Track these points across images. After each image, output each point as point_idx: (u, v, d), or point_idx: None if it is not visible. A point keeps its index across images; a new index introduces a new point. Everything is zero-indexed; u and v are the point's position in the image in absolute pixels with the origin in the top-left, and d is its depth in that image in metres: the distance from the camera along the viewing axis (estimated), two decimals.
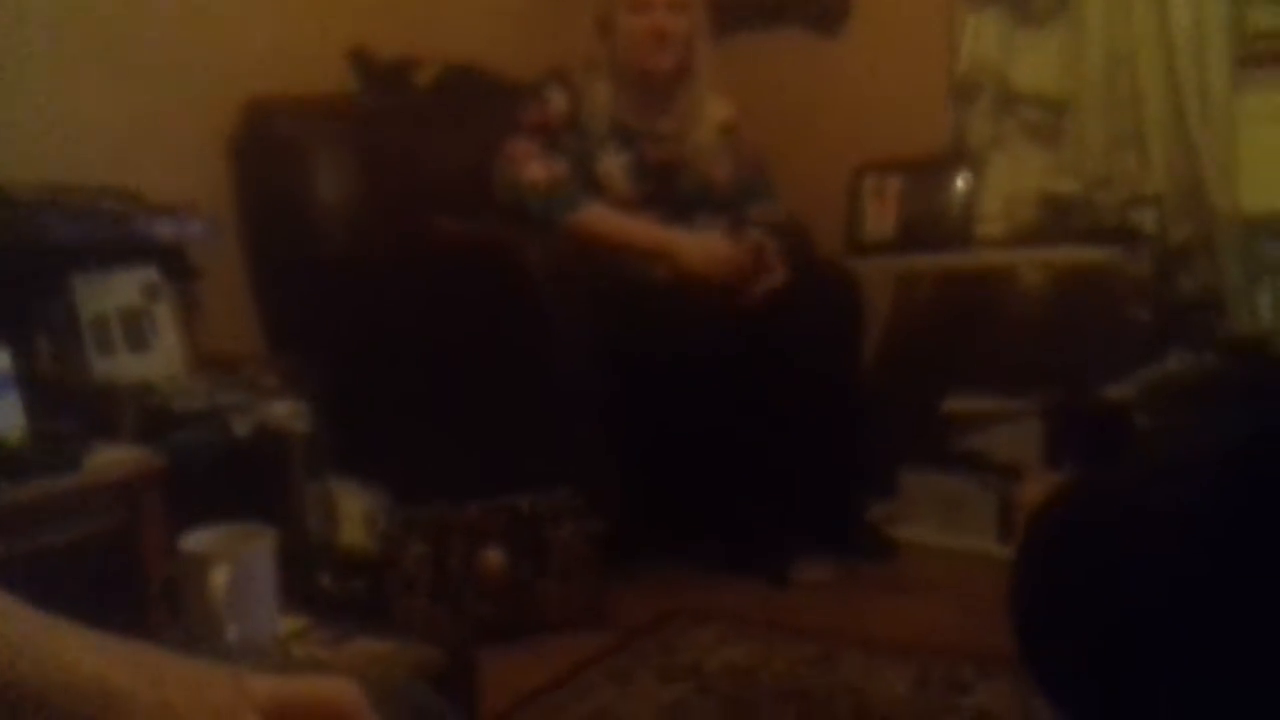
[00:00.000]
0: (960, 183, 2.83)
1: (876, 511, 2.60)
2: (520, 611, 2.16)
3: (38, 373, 2.12)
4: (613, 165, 2.64)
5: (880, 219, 2.89)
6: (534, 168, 2.58)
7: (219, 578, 1.63)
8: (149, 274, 2.34)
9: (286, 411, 2.25)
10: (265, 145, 2.70)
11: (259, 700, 0.46)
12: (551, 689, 1.95)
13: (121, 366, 2.24)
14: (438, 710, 0.59)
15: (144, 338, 2.31)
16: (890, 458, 2.66)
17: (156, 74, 2.56)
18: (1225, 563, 1.05)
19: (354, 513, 2.22)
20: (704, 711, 1.87)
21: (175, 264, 2.40)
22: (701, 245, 2.55)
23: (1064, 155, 2.91)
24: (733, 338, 2.42)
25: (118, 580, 1.84)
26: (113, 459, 1.94)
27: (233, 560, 1.65)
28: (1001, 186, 2.90)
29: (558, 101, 2.64)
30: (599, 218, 2.57)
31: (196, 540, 1.68)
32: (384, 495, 2.24)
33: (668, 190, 2.67)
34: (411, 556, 2.12)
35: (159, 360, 2.30)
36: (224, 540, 1.72)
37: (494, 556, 2.14)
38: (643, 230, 2.59)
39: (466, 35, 3.16)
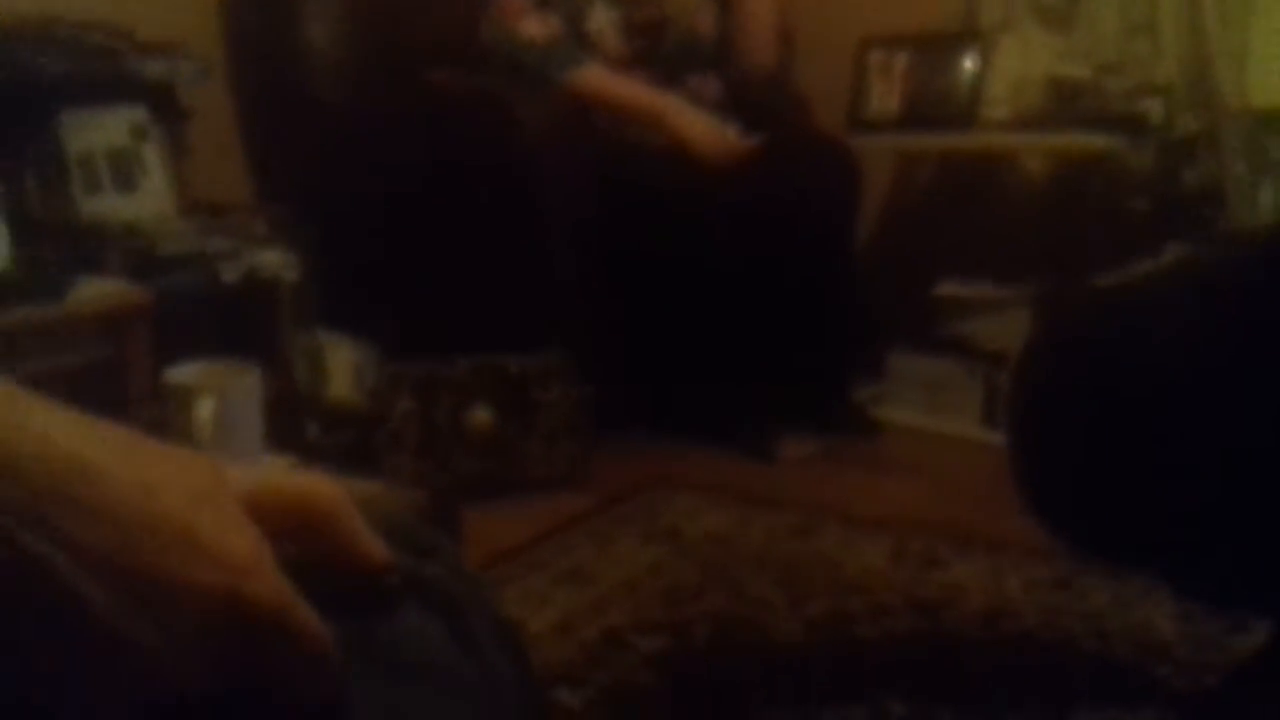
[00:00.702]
0: (968, 62, 2.77)
1: (862, 391, 2.61)
2: (505, 469, 2.17)
3: (25, 208, 2.10)
4: (603, 22, 2.58)
5: (885, 95, 2.84)
6: (530, 23, 2.52)
7: (204, 410, 1.63)
8: (138, 113, 2.30)
9: (276, 260, 2.23)
10: None
11: (238, 488, 0.44)
12: (531, 545, 1.97)
13: (109, 206, 2.21)
14: (428, 534, 0.57)
15: (132, 178, 2.27)
16: (879, 338, 2.65)
17: None
18: (1210, 364, 1.06)
19: (342, 366, 2.22)
20: (681, 573, 1.88)
21: (165, 105, 2.35)
22: (708, 127, 2.51)
23: (1075, 39, 2.85)
24: (725, 205, 2.40)
25: (102, 413, 1.84)
26: (99, 291, 1.93)
27: (218, 393, 1.65)
28: (1010, 68, 2.83)
29: None
30: (599, 78, 2.52)
31: (182, 372, 1.68)
32: (373, 349, 2.23)
33: (656, 48, 2.62)
34: (399, 411, 2.12)
35: (147, 201, 2.27)
36: (209, 374, 1.71)
37: (481, 415, 2.14)
38: (644, 96, 2.54)
39: None
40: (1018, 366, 1.25)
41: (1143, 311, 1.21)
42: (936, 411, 2.58)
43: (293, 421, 2.07)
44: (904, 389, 2.62)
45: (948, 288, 2.62)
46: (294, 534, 0.45)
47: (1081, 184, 2.70)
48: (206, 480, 0.42)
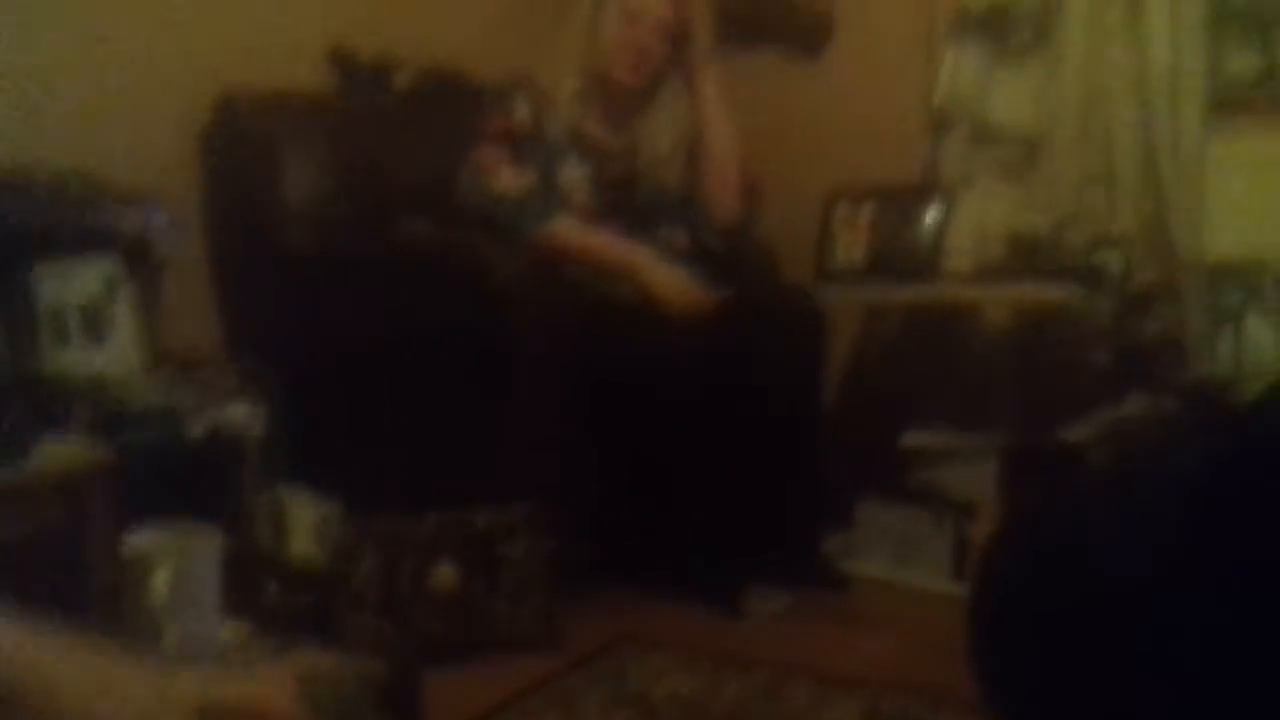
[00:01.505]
0: (931, 214, 2.83)
1: (831, 543, 2.60)
2: (470, 630, 2.14)
3: None
4: (573, 176, 2.63)
5: (851, 246, 2.89)
6: (504, 176, 2.57)
7: (161, 577, 1.61)
8: (111, 266, 2.31)
9: (242, 414, 2.22)
10: (236, 140, 2.67)
11: (186, 700, 0.45)
12: (497, 711, 1.93)
13: (76, 359, 2.20)
14: None
15: (102, 331, 2.27)
16: (847, 489, 2.66)
17: (129, 59, 2.52)
18: (1184, 573, 1.05)
19: (305, 522, 2.19)
20: None
21: (139, 257, 2.36)
22: (677, 281, 2.54)
23: (1034, 192, 2.93)
24: (694, 360, 2.41)
25: (61, 577, 1.81)
26: (61, 454, 1.91)
27: (176, 560, 1.63)
28: (971, 221, 2.90)
29: (522, 110, 2.63)
30: (571, 231, 2.56)
31: (141, 538, 1.66)
32: (337, 505, 2.21)
33: (626, 201, 2.66)
34: (361, 569, 2.10)
35: (115, 355, 2.26)
36: (168, 539, 1.70)
37: (446, 573, 2.12)
38: (614, 248, 2.58)
39: (447, 38, 3.14)
40: (979, 567, 1.24)
41: (1116, 493, 1.21)
42: (906, 563, 2.57)
43: (252, 582, 2.04)
44: (873, 540, 2.61)
45: (915, 438, 2.64)
46: None
47: (1042, 334, 2.75)
48: (153, 702, 0.44)
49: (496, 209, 2.56)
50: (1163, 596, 1.05)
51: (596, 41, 2.63)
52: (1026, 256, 2.75)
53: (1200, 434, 1.92)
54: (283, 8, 2.83)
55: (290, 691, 0.50)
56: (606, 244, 2.58)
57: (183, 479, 2.06)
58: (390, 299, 2.44)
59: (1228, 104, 2.76)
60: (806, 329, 2.53)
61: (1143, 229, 2.76)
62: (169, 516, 1.90)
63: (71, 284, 2.25)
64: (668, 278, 2.53)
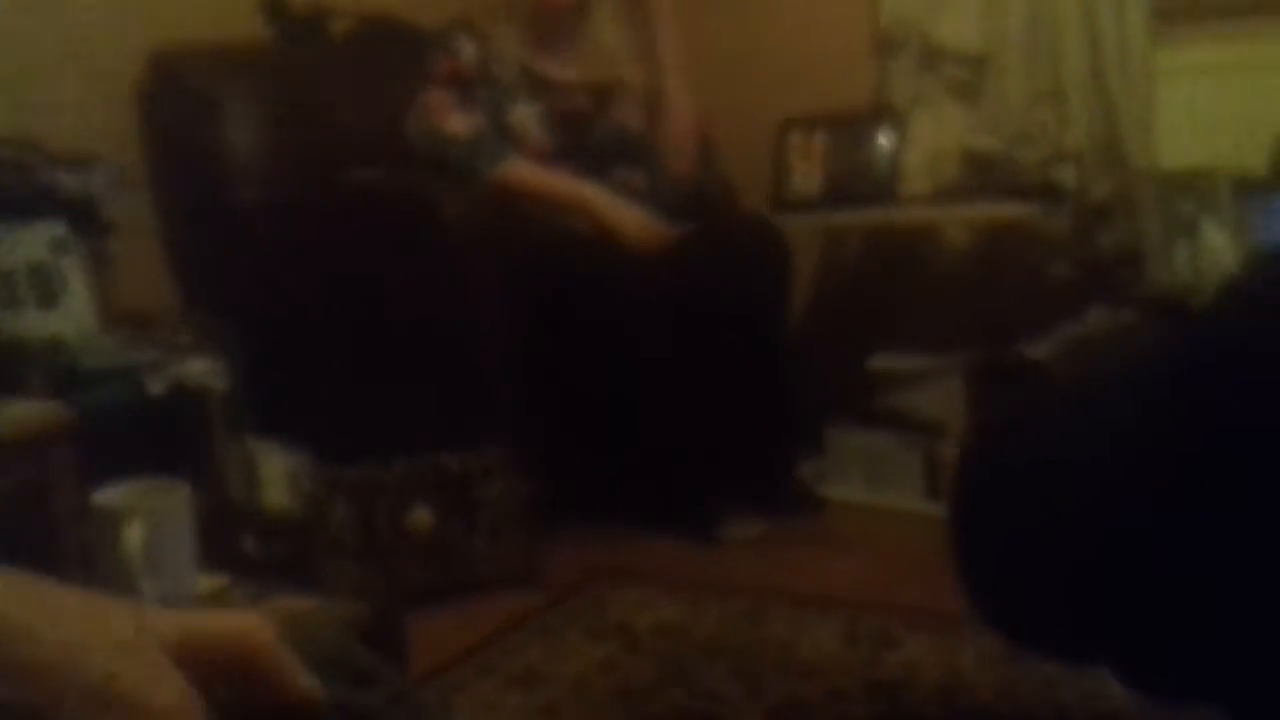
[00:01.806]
0: (884, 139, 2.83)
1: (804, 468, 2.61)
2: (449, 571, 2.13)
3: None
4: (525, 115, 2.60)
5: (806, 175, 2.88)
6: (454, 119, 2.53)
7: (133, 533, 1.58)
8: (57, 227, 2.26)
9: (203, 369, 2.18)
10: (175, 95, 2.60)
11: (166, 631, 0.44)
12: (480, 648, 1.93)
13: (30, 323, 2.15)
14: (365, 660, 0.57)
15: (53, 294, 2.22)
16: (817, 415, 2.66)
17: (61, 20, 2.46)
18: (1145, 472, 1.06)
19: (276, 474, 2.17)
20: (634, 669, 1.86)
21: (85, 217, 2.31)
22: (634, 216, 2.52)
23: (985, 112, 2.93)
24: (657, 292, 2.40)
25: (29, 540, 1.78)
26: (21, 415, 1.87)
27: (147, 514, 1.60)
28: (925, 143, 2.90)
29: (467, 51, 2.59)
30: (524, 171, 2.54)
31: (109, 496, 1.63)
32: (307, 455, 2.19)
33: (582, 141, 2.63)
34: (337, 518, 2.08)
35: (69, 317, 2.22)
36: (138, 495, 1.67)
37: (422, 516, 2.11)
38: (569, 187, 2.56)
39: None
40: (956, 469, 1.25)
41: (1079, 402, 1.22)
42: (878, 485, 2.58)
43: (227, 534, 2.02)
44: (845, 464, 2.62)
45: (881, 361, 2.65)
46: (224, 677, 0.46)
47: (1002, 252, 2.76)
48: (129, 632, 0.43)
49: (448, 152, 2.53)
50: (1126, 496, 1.07)
51: None
52: (981, 175, 2.76)
53: (1157, 341, 1.95)
54: None
55: (273, 625, 0.48)
56: (559, 182, 2.55)
57: (148, 437, 2.03)
58: (342, 246, 2.41)
59: (1173, 13, 2.77)
60: (768, 256, 2.52)
61: (1095, 143, 2.77)
62: (137, 474, 1.87)
63: (19, 248, 2.20)
64: (623, 212, 2.51)
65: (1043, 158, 2.74)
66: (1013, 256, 2.72)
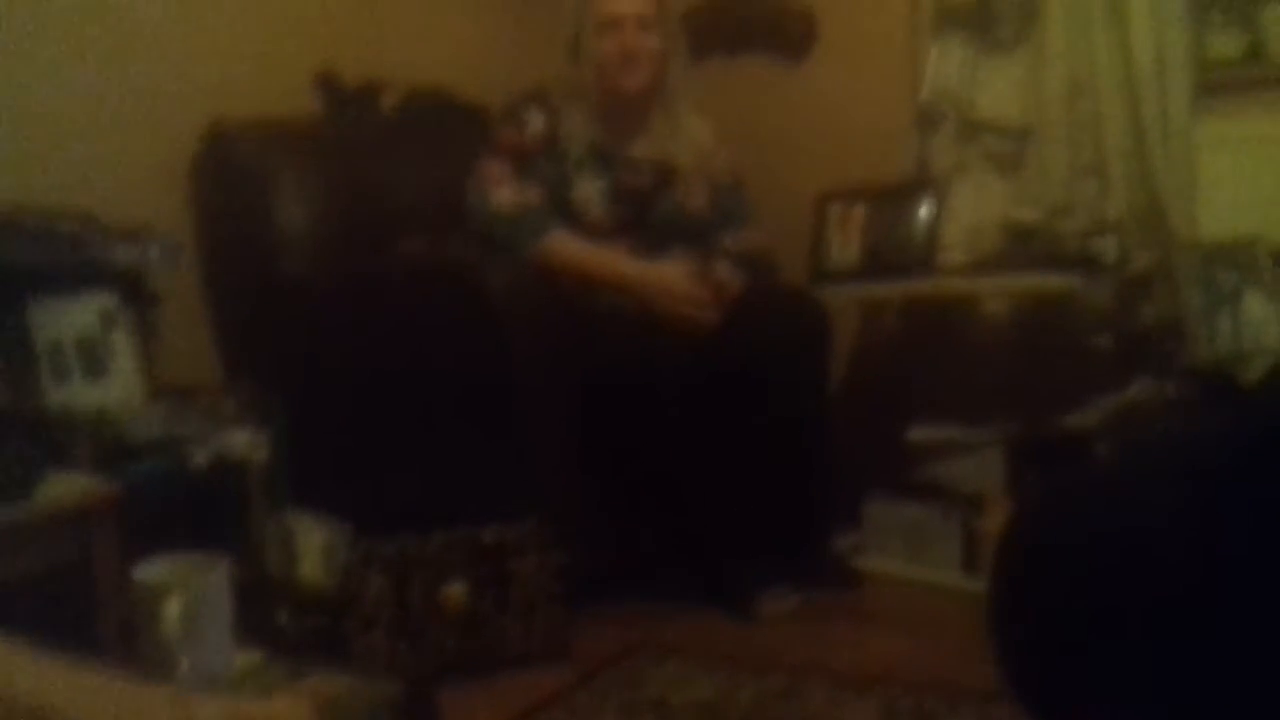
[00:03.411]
0: (924, 210, 2.84)
1: (841, 542, 2.59)
2: (482, 646, 2.13)
3: None
4: (589, 190, 2.62)
5: (845, 246, 2.89)
6: (503, 192, 2.57)
7: (172, 608, 1.60)
8: (107, 300, 2.31)
9: (245, 441, 2.22)
10: (227, 169, 2.67)
11: None
12: None
13: (77, 394, 2.20)
14: None
15: (101, 364, 2.27)
16: (855, 487, 2.65)
17: (117, 94, 2.53)
18: (1197, 566, 1.05)
19: (313, 546, 2.19)
20: None
21: (134, 289, 2.36)
22: (660, 281, 2.55)
23: (1025, 183, 2.93)
24: (697, 365, 2.41)
25: (71, 612, 1.81)
26: (66, 488, 1.90)
27: (186, 591, 1.62)
28: (964, 214, 2.91)
29: (535, 124, 2.62)
30: (563, 245, 2.56)
31: (150, 570, 1.65)
32: (344, 527, 2.21)
33: (642, 218, 2.66)
34: (371, 591, 2.09)
35: (116, 388, 2.26)
36: (178, 570, 1.69)
37: (456, 590, 2.12)
38: (604, 261, 2.57)
39: (433, 58, 3.15)
40: (998, 546, 1.24)
41: (1127, 480, 1.20)
42: (916, 559, 2.56)
43: (263, 607, 2.04)
44: (883, 537, 2.61)
45: (920, 432, 2.63)
46: None
47: (1042, 323, 2.74)
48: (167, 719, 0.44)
49: (493, 225, 2.56)
50: (1176, 578, 1.05)
51: (589, 57, 2.63)
52: (1022, 246, 2.75)
53: (1205, 415, 1.92)
54: (267, 37, 2.84)
55: (309, 712, 0.49)
56: (599, 259, 2.57)
57: (189, 508, 2.06)
58: (386, 318, 2.44)
59: (1214, 85, 2.76)
60: (809, 328, 2.53)
61: (1136, 214, 2.76)
62: (176, 546, 1.90)
63: (69, 319, 2.25)
64: (658, 282, 2.53)
65: (1083, 229, 2.74)
66: (1053, 328, 2.70)
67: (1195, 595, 1.04)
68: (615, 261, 2.58)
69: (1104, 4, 2.78)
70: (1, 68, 2.35)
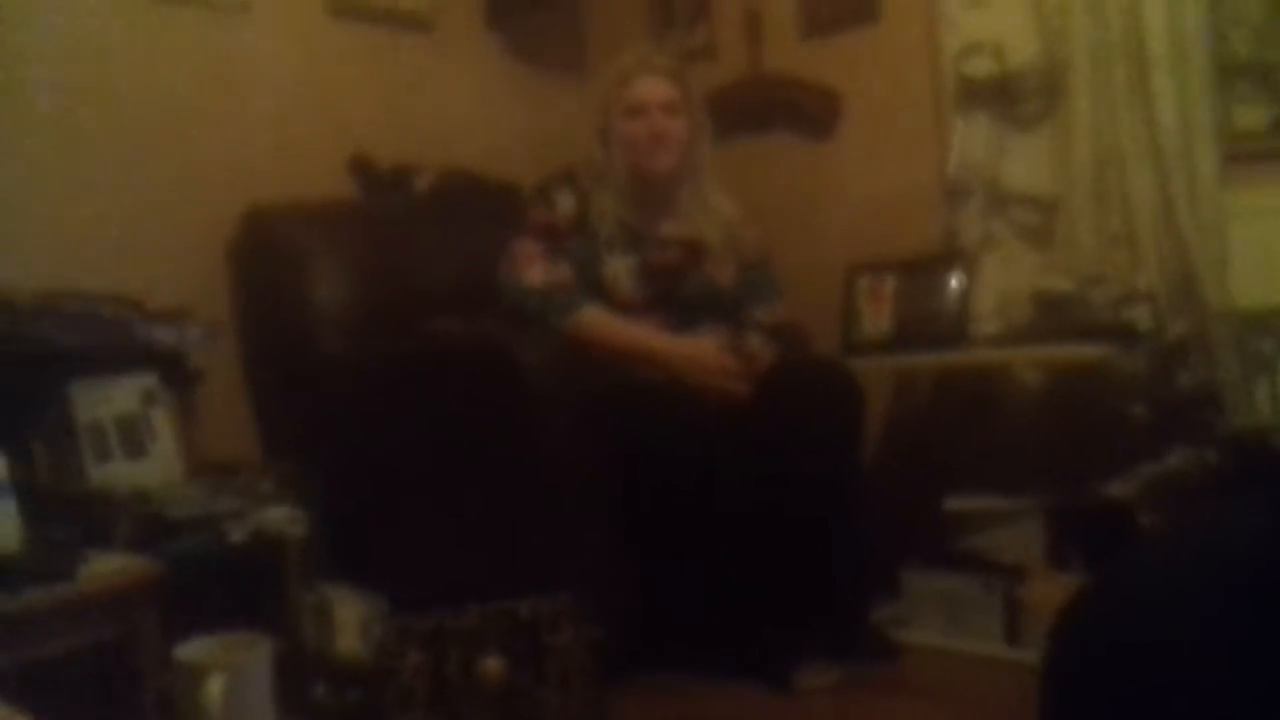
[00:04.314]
0: (954, 281, 2.85)
1: (880, 613, 2.57)
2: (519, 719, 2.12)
3: (34, 480, 2.11)
4: (618, 268, 2.65)
5: (876, 318, 2.90)
6: (534, 271, 2.60)
7: (215, 687, 1.60)
8: (147, 380, 2.35)
9: (282, 517, 2.23)
10: (264, 250, 2.72)
11: None
12: None
13: (118, 473, 2.23)
14: None
15: (141, 444, 2.30)
16: (893, 558, 2.63)
17: (158, 180, 2.60)
18: (1256, 658, 1.03)
19: (350, 620, 2.19)
20: None
21: (174, 370, 2.40)
22: (691, 354, 2.57)
23: (1055, 254, 2.94)
24: (731, 437, 2.41)
25: (113, 691, 1.81)
26: (108, 568, 1.92)
27: (229, 670, 1.62)
28: (995, 285, 2.92)
29: (565, 204, 2.66)
30: (594, 321, 2.58)
31: (192, 649, 1.66)
32: (381, 602, 2.21)
33: (671, 294, 2.68)
34: (408, 666, 2.08)
35: (156, 467, 2.29)
36: (220, 649, 1.69)
37: (492, 664, 2.10)
38: (635, 335, 2.60)
39: (465, 142, 3.22)
40: (1052, 636, 1.23)
41: (1179, 572, 1.19)
42: (957, 629, 2.53)
43: (300, 682, 2.03)
44: (922, 608, 2.58)
45: (957, 502, 2.62)
46: None
47: (1077, 393, 2.73)
48: None
49: (524, 303, 2.59)
50: (1239, 658, 1.04)
51: (618, 141, 2.68)
52: (1053, 316, 2.75)
53: (1249, 488, 1.90)
54: (303, 123, 2.91)
55: None
56: (629, 334, 2.59)
57: (227, 583, 2.07)
58: (420, 395, 2.46)
59: (1242, 156, 2.78)
60: (842, 397, 2.52)
61: (1169, 283, 2.76)
62: (215, 621, 1.90)
63: (109, 399, 2.29)
64: (688, 356, 2.55)
65: (1116, 298, 2.74)
66: (1088, 397, 2.69)
67: (1258, 672, 1.02)
68: (647, 336, 2.61)
69: (1127, 78, 2.81)
70: (43, 155, 2.41)
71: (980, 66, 2.99)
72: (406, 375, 2.51)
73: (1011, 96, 2.99)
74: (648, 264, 2.69)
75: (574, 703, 2.15)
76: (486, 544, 2.30)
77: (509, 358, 2.45)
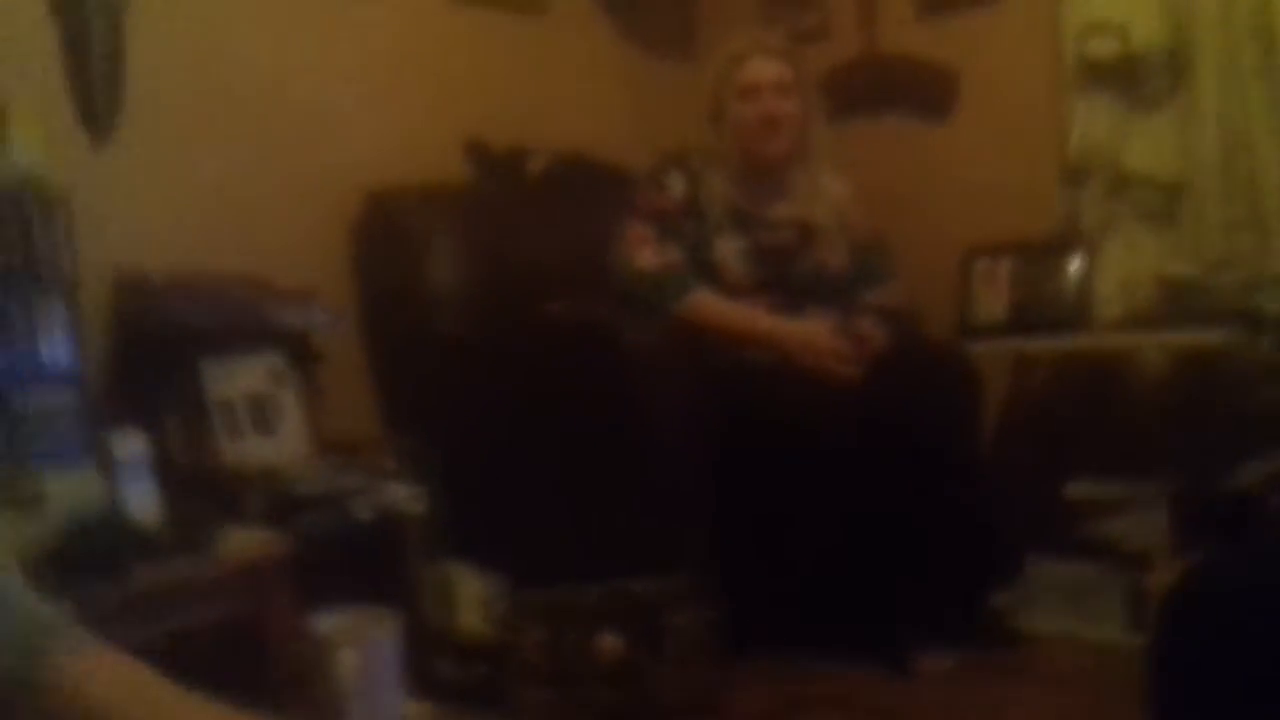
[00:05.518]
0: (1074, 265, 2.80)
1: (1001, 600, 2.54)
2: (636, 697, 2.14)
3: (168, 456, 2.18)
4: (728, 250, 2.65)
5: (992, 301, 2.87)
6: (646, 254, 2.61)
7: (346, 662, 1.65)
8: (275, 360, 2.41)
9: (404, 495, 2.29)
10: (385, 233, 2.78)
11: None
12: None
13: (248, 450, 2.30)
14: None
15: (269, 422, 2.37)
16: (1014, 544, 2.60)
17: (284, 165, 2.66)
18: None
19: (471, 597, 2.23)
20: None
21: (300, 349, 2.46)
22: (803, 336, 2.55)
23: (1180, 237, 2.87)
24: (846, 419, 2.40)
25: (247, 663, 1.87)
26: (242, 542, 1.98)
27: (360, 645, 1.67)
28: (1117, 269, 2.86)
29: (676, 188, 2.67)
30: (704, 304, 2.58)
31: (325, 623, 1.71)
32: (501, 579, 2.25)
33: (782, 276, 2.68)
34: (529, 642, 2.12)
35: (284, 444, 2.35)
36: (352, 623, 1.74)
37: (611, 642, 2.13)
38: (745, 317, 2.59)
39: (577, 125, 3.24)
40: (1160, 619, 1.21)
41: None
42: (1080, 616, 2.49)
43: (424, 657, 2.08)
44: (1044, 595, 2.54)
45: (1079, 489, 2.57)
46: None
47: (1204, 378, 2.67)
48: None
49: (635, 286, 2.60)
50: None
51: (730, 123, 2.68)
52: (1178, 302, 2.69)
53: None
54: (420, 109, 2.95)
55: None
56: (740, 316, 2.58)
57: (352, 560, 2.12)
58: (536, 377, 2.49)
59: None
60: (958, 380, 2.50)
61: None
62: (340, 596, 1.96)
63: (240, 378, 2.36)
64: (800, 337, 2.54)
65: (1242, 283, 2.67)
66: (1215, 383, 2.63)
67: None
68: (758, 318, 2.60)
69: (1256, 58, 2.73)
70: (179, 147, 2.49)
71: (1103, 47, 2.93)
72: (523, 357, 2.55)
73: (1135, 77, 2.92)
74: (759, 246, 2.68)
75: (691, 682, 2.17)
76: (604, 523, 2.32)
77: (615, 339, 2.47)
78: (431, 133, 2.96)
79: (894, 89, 3.32)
